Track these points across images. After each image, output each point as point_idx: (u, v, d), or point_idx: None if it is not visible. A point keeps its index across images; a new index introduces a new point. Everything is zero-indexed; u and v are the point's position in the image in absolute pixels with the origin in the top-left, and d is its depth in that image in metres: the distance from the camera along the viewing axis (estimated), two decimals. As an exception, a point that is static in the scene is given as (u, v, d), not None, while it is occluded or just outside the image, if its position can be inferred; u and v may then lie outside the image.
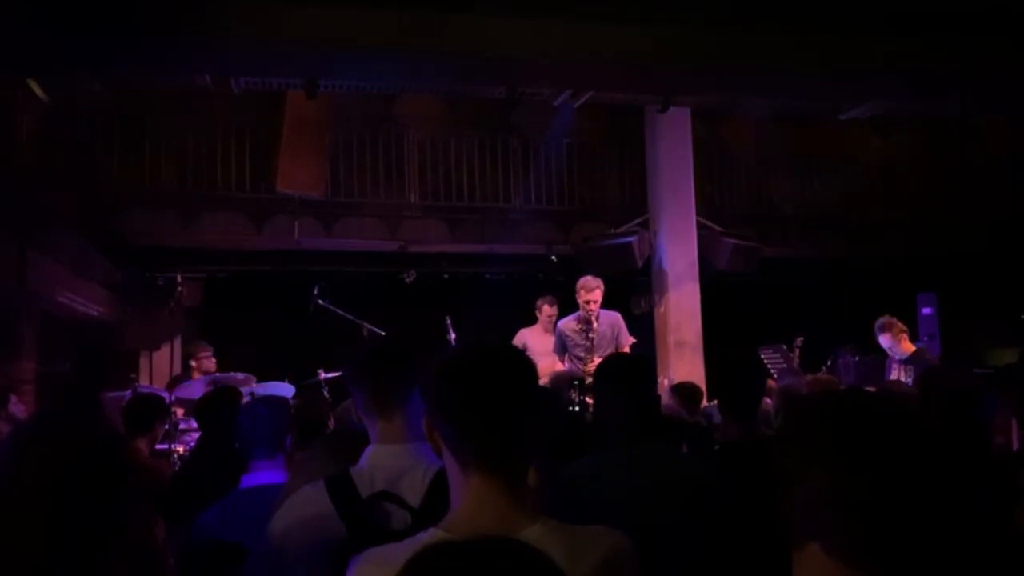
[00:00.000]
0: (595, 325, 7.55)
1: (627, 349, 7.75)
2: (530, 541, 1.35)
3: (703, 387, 8.71)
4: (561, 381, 6.06)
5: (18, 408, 6.85)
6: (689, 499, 2.68)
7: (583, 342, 7.60)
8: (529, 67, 6.17)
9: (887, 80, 6.82)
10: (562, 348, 7.81)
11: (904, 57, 6.47)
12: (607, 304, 7.90)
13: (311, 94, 6.17)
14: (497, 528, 1.55)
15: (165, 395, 7.42)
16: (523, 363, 1.73)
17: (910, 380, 6.90)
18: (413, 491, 2.01)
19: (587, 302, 7.55)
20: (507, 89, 6.46)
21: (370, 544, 1.74)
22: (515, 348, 1.82)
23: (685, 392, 5.87)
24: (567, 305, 8.17)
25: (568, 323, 7.85)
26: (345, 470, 2.06)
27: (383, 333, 7.53)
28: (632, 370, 3.01)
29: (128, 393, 7.24)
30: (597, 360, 7.40)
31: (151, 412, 5.50)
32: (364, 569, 1.61)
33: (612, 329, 7.72)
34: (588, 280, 7.67)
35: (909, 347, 7.44)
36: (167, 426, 7.13)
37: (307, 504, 2.03)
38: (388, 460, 2.08)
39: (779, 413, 4.37)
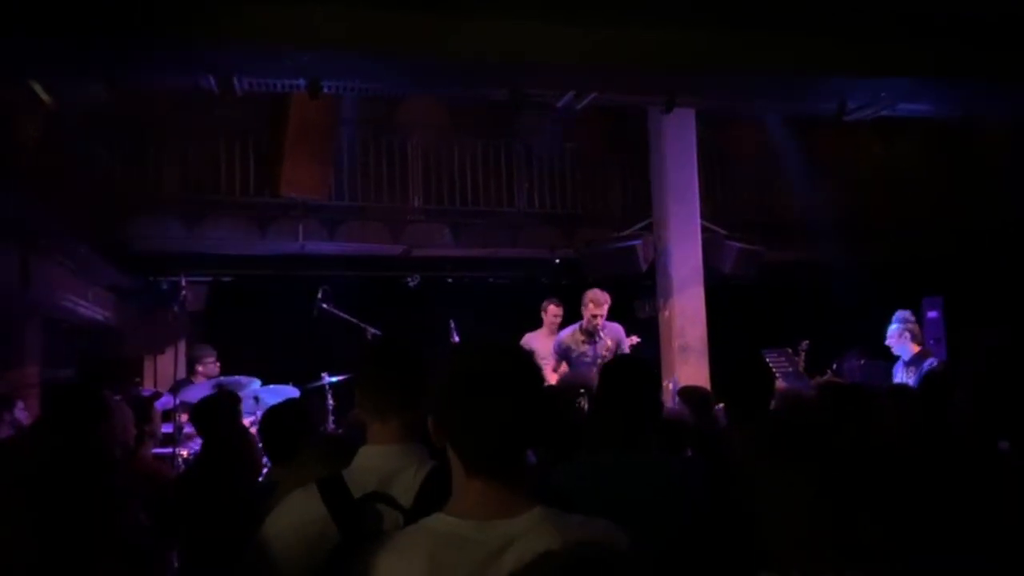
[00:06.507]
0: (608, 342, 7.60)
1: None
2: (529, 523, 1.36)
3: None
4: (571, 386, 6.01)
5: (23, 414, 6.85)
6: (674, 506, 2.65)
7: (591, 354, 7.62)
8: (532, 69, 6.16)
9: (892, 83, 6.79)
10: (562, 359, 7.82)
11: (909, 60, 6.46)
12: (611, 308, 7.91)
13: (314, 95, 6.17)
14: (497, 512, 1.62)
15: (169, 399, 7.43)
16: (526, 364, 1.73)
17: (911, 381, 6.82)
18: (405, 491, 2.00)
19: (595, 316, 7.60)
20: (510, 92, 6.45)
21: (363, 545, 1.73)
22: (520, 349, 1.80)
23: (692, 396, 5.75)
24: (573, 308, 8.17)
25: (568, 335, 7.87)
26: (337, 472, 2.05)
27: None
28: (637, 375, 2.97)
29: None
30: None
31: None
32: (379, 558, 1.65)
33: (616, 342, 7.77)
34: (599, 294, 7.73)
35: (914, 347, 7.33)
36: (171, 429, 7.15)
37: (300, 506, 2.02)
38: (379, 461, 2.08)
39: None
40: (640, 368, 3.04)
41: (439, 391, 1.71)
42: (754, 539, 1.34)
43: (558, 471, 2.77)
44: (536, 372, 1.75)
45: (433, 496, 1.90)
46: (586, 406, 5.67)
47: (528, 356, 1.78)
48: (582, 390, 5.79)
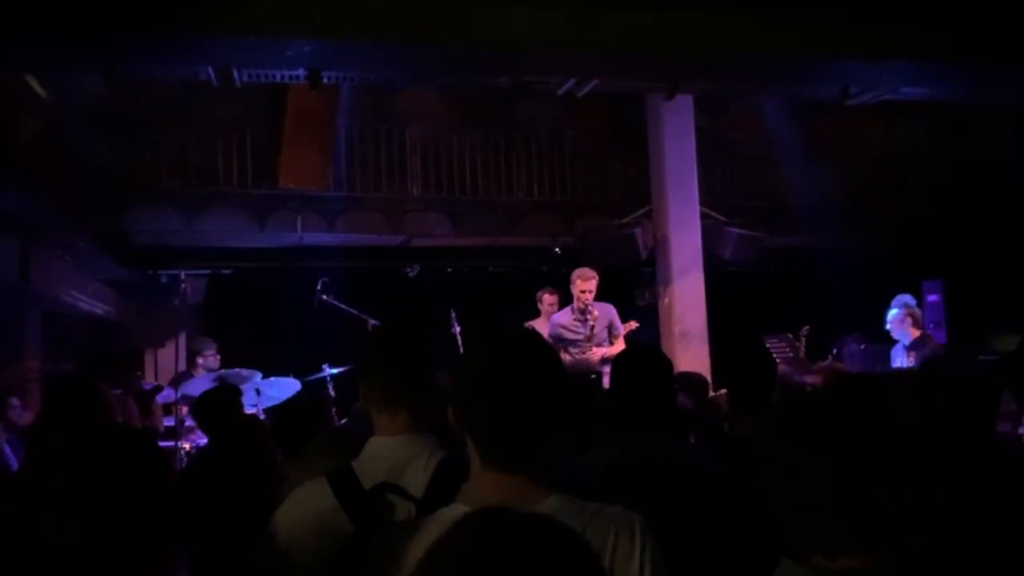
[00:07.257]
0: (595, 313, 7.61)
1: (622, 339, 7.79)
2: (545, 512, 1.36)
3: (709, 377, 8.72)
4: (582, 373, 6.01)
5: (17, 410, 6.85)
6: (696, 494, 2.66)
7: (583, 331, 7.64)
8: (533, 56, 6.13)
9: (894, 66, 6.77)
10: (556, 342, 7.84)
11: (911, 43, 6.44)
12: (611, 295, 7.92)
13: (314, 85, 6.15)
14: (513, 500, 1.59)
15: (170, 392, 7.43)
16: (543, 354, 1.74)
17: (911, 365, 6.84)
18: (416, 482, 2.00)
19: (583, 291, 7.62)
20: (511, 79, 6.43)
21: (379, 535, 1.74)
22: (537, 338, 1.80)
23: (690, 382, 5.73)
24: (570, 296, 8.18)
25: (562, 317, 7.89)
26: (347, 464, 2.05)
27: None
28: (652, 364, 2.98)
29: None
30: (596, 350, 7.47)
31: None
32: (396, 547, 1.66)
33: (607, 319, 7.78)
34: (586, 270, 7.75)
35: (914, 332, 7.35)
36: (172, 422, 7.16)
37: (310, 498, 2.02)
38: (388, 452, 2.08)
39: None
40: (655, 357, 3.05)
41: (456, 382, 1.72)
42: (774, 526, 1.35)
43: (578, 460, 2.77)
44: (553, 361, 1.75)
45: (444, 486, 1.90)
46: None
47: (545, 345, 1.78)
48: (593, 375, 5.81)
